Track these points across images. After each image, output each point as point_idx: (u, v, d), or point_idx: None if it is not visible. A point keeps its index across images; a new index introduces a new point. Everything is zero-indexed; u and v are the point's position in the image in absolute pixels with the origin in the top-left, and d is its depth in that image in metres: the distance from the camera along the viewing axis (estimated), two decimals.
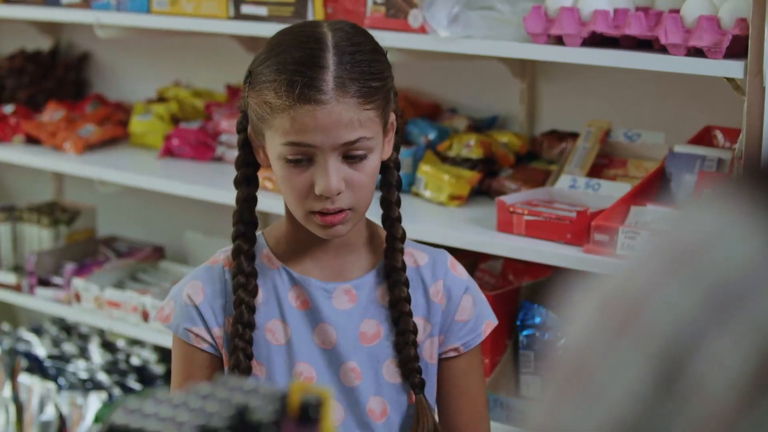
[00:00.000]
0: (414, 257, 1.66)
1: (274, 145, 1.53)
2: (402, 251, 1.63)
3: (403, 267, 1.62)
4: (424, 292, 1.65)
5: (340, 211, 1.53)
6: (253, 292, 1.60)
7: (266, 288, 1.62)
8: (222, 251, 1.65)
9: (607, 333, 0.62)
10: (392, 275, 1.62)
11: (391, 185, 1.65)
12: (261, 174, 2.08)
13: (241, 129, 1.61)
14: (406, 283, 1.62)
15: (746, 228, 0.60)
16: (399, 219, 1.64)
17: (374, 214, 1.65)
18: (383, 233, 1.65)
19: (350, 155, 1.52)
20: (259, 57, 1.57)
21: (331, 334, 1.61)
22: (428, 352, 1.65)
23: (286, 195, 1.56)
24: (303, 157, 1.51)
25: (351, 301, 1.62)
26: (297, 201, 1.54)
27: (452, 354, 1.66)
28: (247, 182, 1.63)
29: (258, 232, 1.64)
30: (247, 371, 1.58)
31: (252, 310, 1.59)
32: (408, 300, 1.62)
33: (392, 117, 1.59)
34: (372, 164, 1.55)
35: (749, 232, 0.60)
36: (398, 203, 1.65)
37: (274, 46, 1.56)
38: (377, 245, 1.65)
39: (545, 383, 0.65)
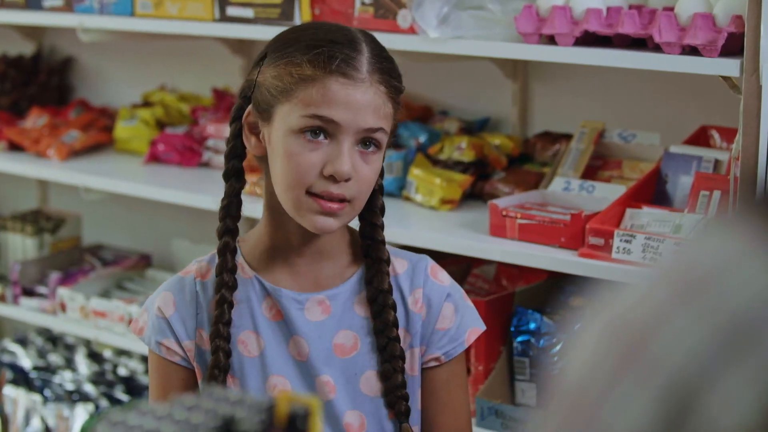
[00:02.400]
0: (392, 265, 1.62)
1: (290, 119, 1.49)
2: (389, 273, 1.59)
3: (390, 290, 1.58)
4: (403, 301, 1.61)
5: (341, 200, 1.49)
6: (234, 288, 1.57)
7: (238, 298, 1.58)
8: (195, 261, 1.62)
9: (612, 365, 0.58)
10: (378, 299, 1.57)
11: (375, 207, 1.61)
12: (249, 179, 2.02)
13: (237, 117, 1.57)
14: (394, 307, 1.58)
15: (760, 259, 0.56)
16: (383, 242, 1.61)
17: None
18: (360, 241, 1.61)
19: (365, 145, 1.51)
20: (279, 40, 1.55)
21: (304, 346, 1.57)
22: (409, 364, 1.61)
23: (287, 174, 1.50)
24: (321, 132, 1.49)
25: (324, 312, 1.58)
26: (298, 179, 1.49)
27: (433, 363, 1.62)
28: (237, 175, 1.60)
29: None
30: (226, 371, 1.55)
31: (232, 306, 1.57)
32: (396, 325, 1.57)
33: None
34: (378, 161, 1.54)
35: (763, 263, 0.56)
36: (382, 227, 1.62)
37: (299, 30, 1.57)
38: (355, 254, 1.61)
39: (546, 414, 0.61)
